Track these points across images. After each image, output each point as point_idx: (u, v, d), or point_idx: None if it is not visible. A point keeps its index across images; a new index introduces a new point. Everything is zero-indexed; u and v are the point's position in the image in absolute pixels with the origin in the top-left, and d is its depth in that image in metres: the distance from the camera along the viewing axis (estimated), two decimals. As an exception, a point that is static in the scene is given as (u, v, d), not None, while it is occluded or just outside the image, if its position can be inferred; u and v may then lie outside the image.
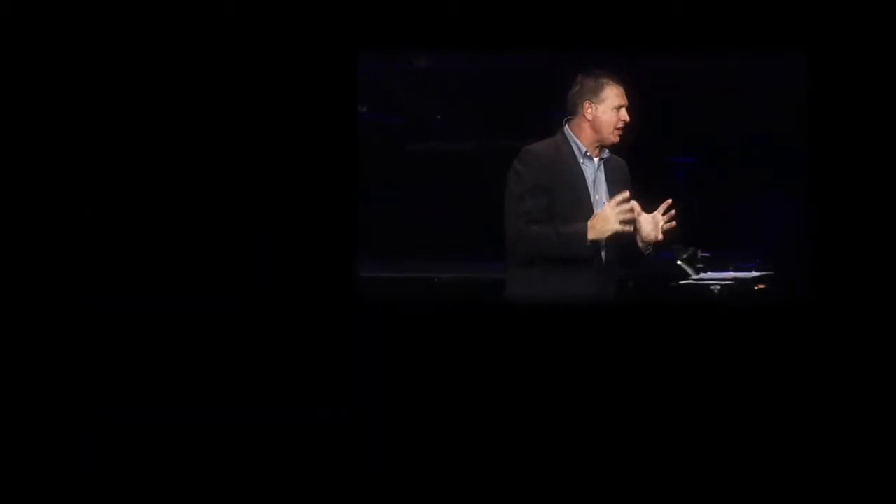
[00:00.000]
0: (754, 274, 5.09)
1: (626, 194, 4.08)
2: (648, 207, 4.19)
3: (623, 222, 4.06)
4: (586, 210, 4.18)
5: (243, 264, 3.91)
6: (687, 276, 4.66)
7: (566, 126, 4.29)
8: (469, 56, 6.35)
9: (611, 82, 4.25)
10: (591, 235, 4.07)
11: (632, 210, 4.09)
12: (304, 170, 3.92)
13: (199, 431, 3.84)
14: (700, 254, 4.91)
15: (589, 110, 4.23)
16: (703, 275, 4.86)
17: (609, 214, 4.07)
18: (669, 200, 4.16)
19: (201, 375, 3.86)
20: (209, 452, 3.83)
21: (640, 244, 4.19)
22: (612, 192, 4.23)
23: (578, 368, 3.88)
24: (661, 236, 4.17)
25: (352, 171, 3.94)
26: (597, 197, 4.25)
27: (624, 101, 4.24)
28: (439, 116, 6.86)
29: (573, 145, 4.27)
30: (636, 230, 4.15)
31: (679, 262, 4.43)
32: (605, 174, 4.29)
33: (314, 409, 3.86)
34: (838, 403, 3.82)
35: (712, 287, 4.70)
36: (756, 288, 4.88)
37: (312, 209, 3.90)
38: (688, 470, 3.84)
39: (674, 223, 4.17)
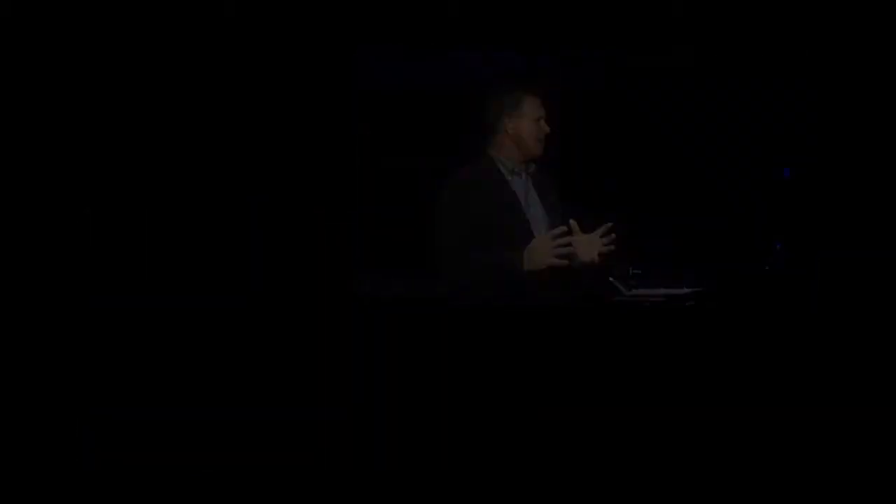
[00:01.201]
0: (685, 290, 5.04)
1: (563, 229, 3.96)
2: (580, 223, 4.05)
3: (559, 256, 3.92)
4: (523, 227, 4.07)
5: (243, 264, 3.91)
6: (619, 292, 4.59)
7: (488, 148, 4.17)
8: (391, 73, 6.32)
9: (529, 94, 4.14)
10: (526, 266, 3.94)
11: (568, 244, 3.94)
12: (304, 170, 3.92)
13: (199, 431, 3.84)
14: (632, 270, 4.86)
15: (510, 125, 4.11)
16: (634, 291, 4.80)
17: (544, 247, 3.93)
18: (610, 224, 4.02)
19: (201, 375, 3.86)
20: (209, 452, 3.83)
21: (575, 265, 4.04)
22: (545, 205, 4.14)
23: (579, 368, 3.88)
24: (597, 259, 4.03)
25: (351, 171, 3.95)
26: (532, 212, 4.13)
27: (543, 111, 4.13)
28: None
29: (499, 164, 4.14)
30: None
31: (611, 279, 4.36)
32: (536, 188, 4.17)
33: (314, 409, 3.86)
34: (839, 403, 3.82)
35: (644, 304, 4.63)
36: (687, 304, 4.82)
37: (312, 209, 3.90)
38: (688, 470, 3.84)
39: (612, 247, 4.03)
